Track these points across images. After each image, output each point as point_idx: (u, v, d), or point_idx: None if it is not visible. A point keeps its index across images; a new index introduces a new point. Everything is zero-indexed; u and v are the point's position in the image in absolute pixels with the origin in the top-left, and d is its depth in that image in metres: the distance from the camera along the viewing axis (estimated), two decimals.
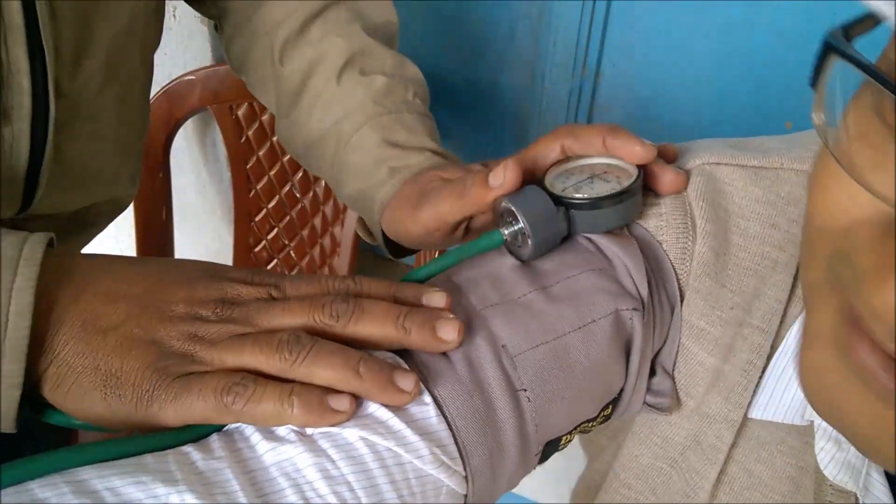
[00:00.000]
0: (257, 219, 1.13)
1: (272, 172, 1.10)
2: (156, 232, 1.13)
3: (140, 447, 0.31)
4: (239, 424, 0.32)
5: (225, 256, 1.20)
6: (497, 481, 0.35)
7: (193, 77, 1.05)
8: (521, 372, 0.34)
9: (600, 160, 0.41)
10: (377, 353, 0.34)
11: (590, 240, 0.39)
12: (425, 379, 0.33)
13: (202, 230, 1.24)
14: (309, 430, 0.31)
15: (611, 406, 0.40)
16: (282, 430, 0.31)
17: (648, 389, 0.41)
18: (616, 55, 0.92)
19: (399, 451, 0.31)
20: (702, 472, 0.43)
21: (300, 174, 1.10)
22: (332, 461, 0.30)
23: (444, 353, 0.34)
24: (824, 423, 0.38)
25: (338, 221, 1.08)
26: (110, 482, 0.28)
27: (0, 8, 0.41)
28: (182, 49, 1.07)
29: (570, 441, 0.39)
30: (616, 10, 0.89)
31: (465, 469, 0.33)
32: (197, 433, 0.32)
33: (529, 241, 0.37)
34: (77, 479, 0.28)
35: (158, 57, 1.19)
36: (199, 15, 1.06)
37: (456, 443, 0.33)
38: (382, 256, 1.23)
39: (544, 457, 0.38)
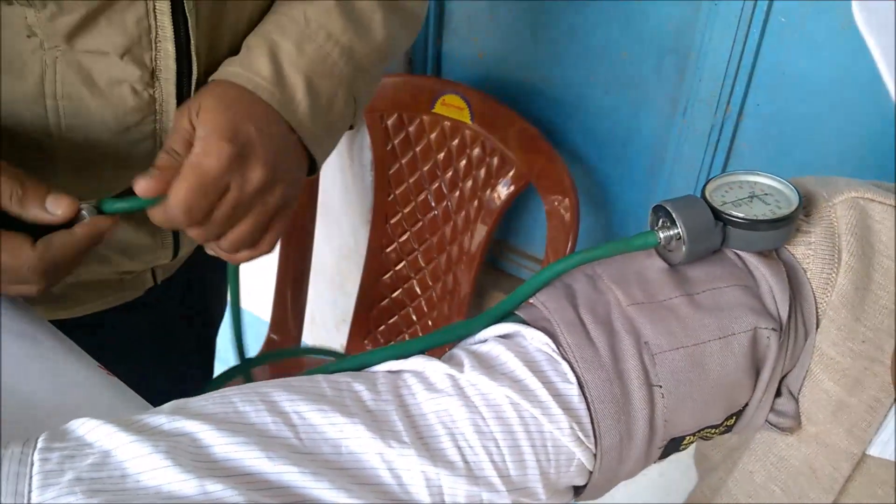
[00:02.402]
0: (392, 222, 1.21)
1: (411, 180, 1.17)
2: (300, 224, 1.23)
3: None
4: (402, 372, 0.37)
5: (358, 255, 1.28)
6: (622, 465, 0.38)
7: None
8: (659, 369, 0.37)
9: (763, 180, 0.42)
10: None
11: (738, 255, 0.41)
12: (573, 362, 0.37)
13: (340, 227, 1.33)
14: (462, 383, 0.36)
15: (734, 418, 0.42)
16: (441, 383, 0.36)
17: (772, 409, 0.43)
18: (762, 96, 0.93)
19: (543, 419, 0.35)
20: (814, 501, 0.44)
21: (436, 184, 1.16)
22: (484, 418, 0.35)
23: (592, 342, 0.38)
24: None
25: (467, 232, 1.14)
26: (297, 406, 0.34)
27: None
28: None
29: (691, 443, 0.42)
30: (766, 51, 0.90)
31: (596, 448, 0.37)
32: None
33: (683, 248, 0.39)
34: (270, 399, 0.34)
35: None
36: None
37: (592, 423, 0.36)
38: (505, 270, 1.27)
39: (665, 453, 0.41)
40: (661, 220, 0.41)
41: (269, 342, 1.26)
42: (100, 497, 0.28)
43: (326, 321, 1.45)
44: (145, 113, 0.53)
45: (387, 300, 1.26)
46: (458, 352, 0.39)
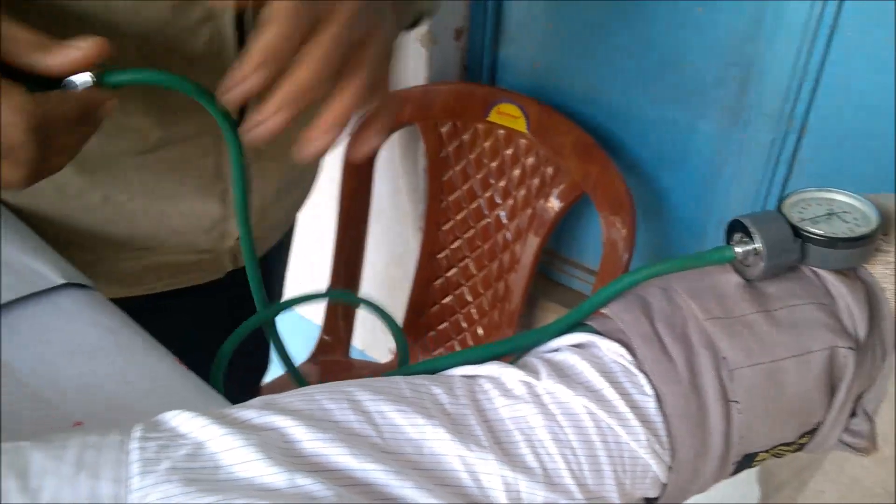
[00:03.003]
0: (444, 228, 1.22)
1: (465, 187, 1.18)
2: (353, 229, 1.25)
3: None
4: (477, 377, 0.38)
5: (409, 261, 1.29)
6: (695, 479, 0.38)
7: (407, 94, 1.16)
8: (735, 385, 0.37)
9: (843, 198, 0.42)
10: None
11: (815, 273, 0.41)
12: (649, 375, 0.37)
13: (391, 234, 1.34)
14: (539, 391, 0.36)
15: (808, 436, 0.41)
16: (517, 389, 0.36)
17: (846, 429, 0.42)
18: (826, 110, 0.91)
19: (620, 430, 0.35)
20: None
21: (490, 192, 1.17)
22: (561, 427, 0.35)
23: (669, 355, 0.38)
24: None
25: (519, 240, 1.14)
26: (379, 406, 0.35)
27: None
28: (401, 67, 1.18)
29: (763, 461, 0.41)
30: (831, 64, 0.89)
31: (671, 461, 0.37)
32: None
33: (762, 264, 0.39)
34: (354, 398, 0.35)
35: None
36: (419, 37, 1.17)
37: (668, 435, 0.36)
38: (557, 280, 1.27)
39: (738, 469, 0.40)
40: (737, 235, 0.41)
41: (320, 343, 1.29)
42: (195, 486, 0.29)
43: (375, 325, 1.47)
44: None
45: (437, 306, 1.27)
46: (532, 359, 0.39)
